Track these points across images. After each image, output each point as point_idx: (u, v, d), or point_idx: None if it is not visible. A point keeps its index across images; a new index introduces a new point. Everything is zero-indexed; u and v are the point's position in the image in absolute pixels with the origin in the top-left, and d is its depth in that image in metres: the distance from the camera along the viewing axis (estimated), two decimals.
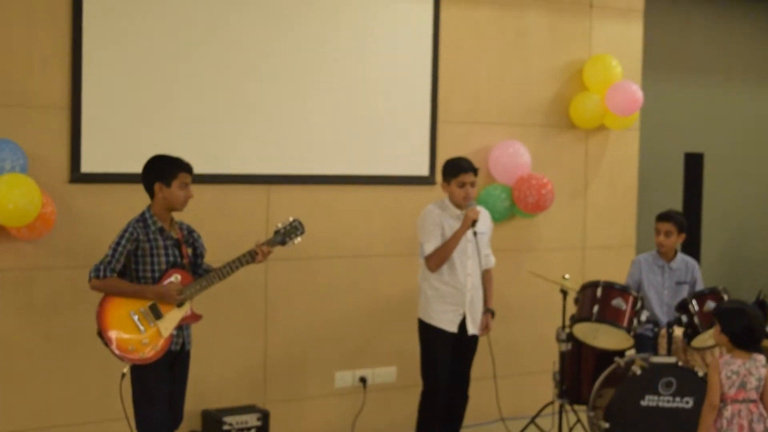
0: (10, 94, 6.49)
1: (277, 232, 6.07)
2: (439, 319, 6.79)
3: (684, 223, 7.51)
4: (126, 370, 5.77)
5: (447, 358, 6.84)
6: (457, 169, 6.79)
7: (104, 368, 6.29)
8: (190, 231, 6.00)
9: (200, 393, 7.04)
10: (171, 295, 5.71)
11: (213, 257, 6.15)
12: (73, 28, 6.63)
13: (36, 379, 6.66)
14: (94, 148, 6.74)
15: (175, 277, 5.75)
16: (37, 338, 6.65)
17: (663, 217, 7.47)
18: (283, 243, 6.07)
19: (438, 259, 6.72)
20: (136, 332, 5.65)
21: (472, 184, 6.79)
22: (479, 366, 7.10)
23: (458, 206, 6.77)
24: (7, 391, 6.57)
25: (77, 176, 6.70)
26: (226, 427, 6.95)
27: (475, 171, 6.81)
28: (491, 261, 7.03)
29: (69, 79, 6.65)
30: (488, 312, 6.96)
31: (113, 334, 5.62)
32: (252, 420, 7.06)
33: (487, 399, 7.39)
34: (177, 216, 5.93)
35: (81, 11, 6.63)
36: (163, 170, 5.80)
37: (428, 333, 6.84)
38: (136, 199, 6.02)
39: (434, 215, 6.80)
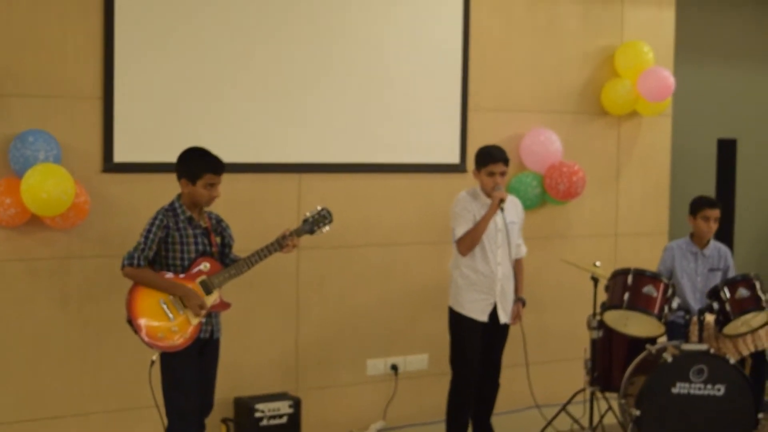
0: (43, 85, 6.54)
1: (305, 221, 6.09)
2: (469, 309, 6.81)
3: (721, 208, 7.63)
4: (155, 357, 5.82)
5: (477, 346, 6.86)
6: (488, 158, 6.79)
7: (137, 356, 6.34)
8: (219, 220, 6.03)
9: (232, 381, 7.09)
10: (194, 305, 5.72)
11: (245, 246, 6.18)
12: (105, 18, 6.67)
13: (70, 366, 6.73)
14: (127, 138, 6.78)
15: (204, 266, 5.80)
16: (71, 326, 6.71)
17: (713, 203, 7.54)
18: (311, 232, 6.08)
19: (469, 242, 6.73)
20: (165, 320, 5.70)
21: (502, 174, 6.78)
22: (511, 353, 7.11)
23: (488, 195, 6.78)
24: (41, 378, 6.64)
25: (110, 166, 6.74)
26: (258, 414, 6.98)
27: (506, 161, 6.80)
28: (522, 251, 7.03)
29: (101, 70, 6.69)
30: (519, 301, 6.96)
31: (142, 322, 5.67)
32: (284, 407, 7.09)
33: (518, 386, 7.39)
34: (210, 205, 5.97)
35: (113, 2, 6.67)
36: (189, 168, 5.82)
37: (458, 322, 6.86)
38: (169, 188, 6.05)
39: (466, 201, 6.81)
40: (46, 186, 6.15)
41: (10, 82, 6.43)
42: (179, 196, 5.86)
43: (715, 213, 7.48)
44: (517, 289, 6.95)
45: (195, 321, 5.75)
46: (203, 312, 5.74)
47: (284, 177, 7.36)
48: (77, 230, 6.63)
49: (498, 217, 6.75)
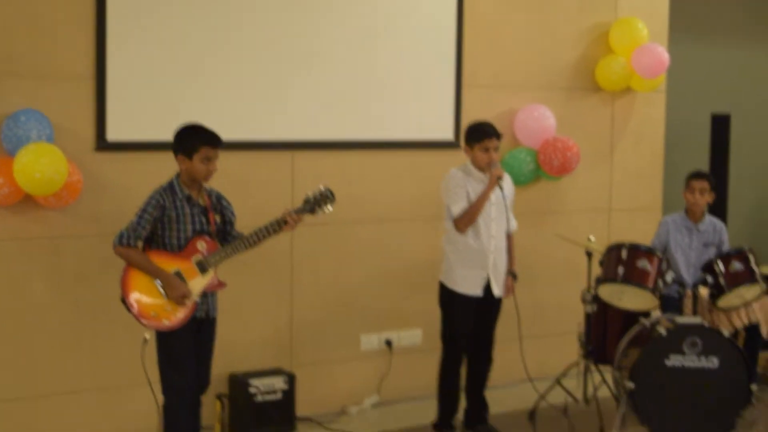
0: (35, 65, 6.52)
1: (306, 201, 6.01)
2: (462, 284, 6.82)
3: (714, 182, 7.61)
4: (148, 335, 5.82)
5: (469, 322, 6.88)
6: (481, 134, 6.78)
7: (132, 334, 6.34)
8: (219, 198, 6.01)
9: (227, 357, 7.10)
10: (176, 296, 5.70)
11: (238, 225, 6.18)
12: None
13: (65, 345, 6.74)
14: (120, 117, 6.77)
15: (201, 244, 5.79)
16: (65, 305, 6.72)
17: (699, 175, 7.57)
18: (312, 211, 5.99)
19: (467, 220, 6.73)
20: (159, 298, 5.70)
21: (496, 149, 6.78)
22: (505, 327, 7.13)
23: (481, 170, 6.78)
24: (36, 357, 6.66)
25: (103, 145, 6.74)
26: (252, 390, 7.01)
27: (498, 136, 6.80)
28: (513, 225, 7.03)
29: (93, 49, 6.67)
30: (510, 274, 6.97)
31: (136, 300, 5.68)
32: (278, 383, 7.12)
33: (512, 360, 7.42)
34: (208, 183, 5.95)
35: None
36: (185, 142, 5.78)
37: (451, 297, 6.88)
38: (163, 167, 6.07)
39: (458, 178, 6.80)
40: (39, 165, 6.15)
41: (1, 62, 6.41)
42: (178, 175, 5.85)
43: (701, 184, 7.50)
44: (509, 264, 6.96)
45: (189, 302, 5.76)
46: (188, 302, 5.73)
47: (277, 154, 7.36)
48: (70, 209, 6.64)
49: (493, 193, 6.75)
